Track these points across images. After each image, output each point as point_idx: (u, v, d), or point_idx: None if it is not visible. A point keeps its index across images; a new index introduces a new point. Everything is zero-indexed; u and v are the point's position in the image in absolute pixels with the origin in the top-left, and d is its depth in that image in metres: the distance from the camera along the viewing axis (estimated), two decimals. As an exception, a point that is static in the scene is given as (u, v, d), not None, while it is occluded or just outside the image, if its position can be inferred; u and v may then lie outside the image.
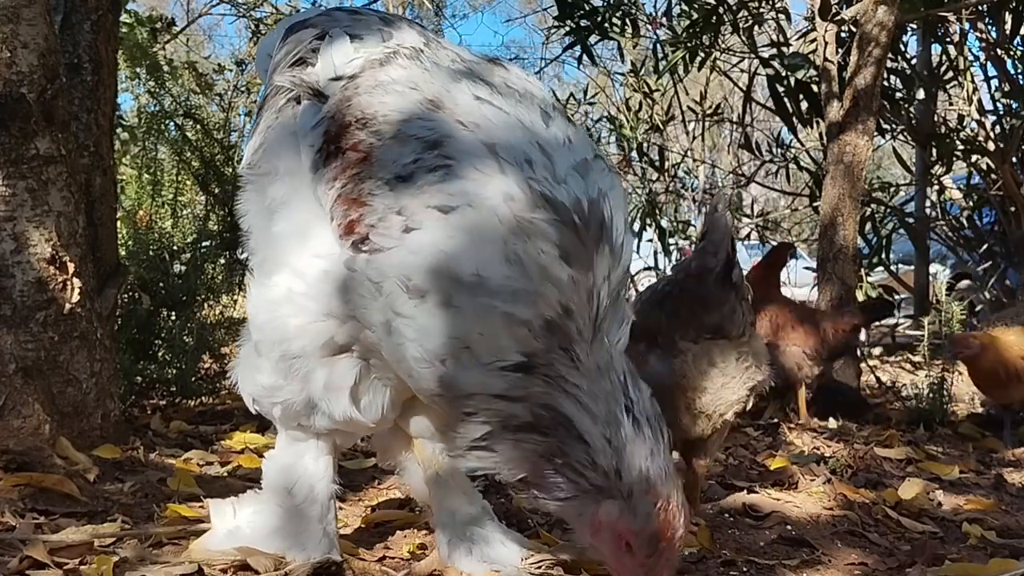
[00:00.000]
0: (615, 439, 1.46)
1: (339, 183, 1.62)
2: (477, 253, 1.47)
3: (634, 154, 7.29)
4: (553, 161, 1.53)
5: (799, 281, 7.47)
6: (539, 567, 1.93)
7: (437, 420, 1.83)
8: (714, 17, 5.85)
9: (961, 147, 6.26)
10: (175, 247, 3.81)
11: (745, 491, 2.66)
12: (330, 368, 1.72)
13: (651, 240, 7.19)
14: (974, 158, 6.34)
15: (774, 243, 6.58)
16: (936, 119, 6.46)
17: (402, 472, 2.07)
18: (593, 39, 6.02)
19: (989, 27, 6.17)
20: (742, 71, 7.06)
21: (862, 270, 5.96)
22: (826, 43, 4.70)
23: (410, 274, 1.50)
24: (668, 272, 2.66)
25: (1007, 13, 5.94)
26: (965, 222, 6.68)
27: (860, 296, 5.54)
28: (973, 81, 6.11)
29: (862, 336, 5.78)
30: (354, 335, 1.66)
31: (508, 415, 1.50)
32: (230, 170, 4.00)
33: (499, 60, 1.79)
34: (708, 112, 7.37)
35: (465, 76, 1.66)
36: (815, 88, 5.41)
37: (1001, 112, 6.24)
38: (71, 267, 2.64)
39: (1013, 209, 5.87)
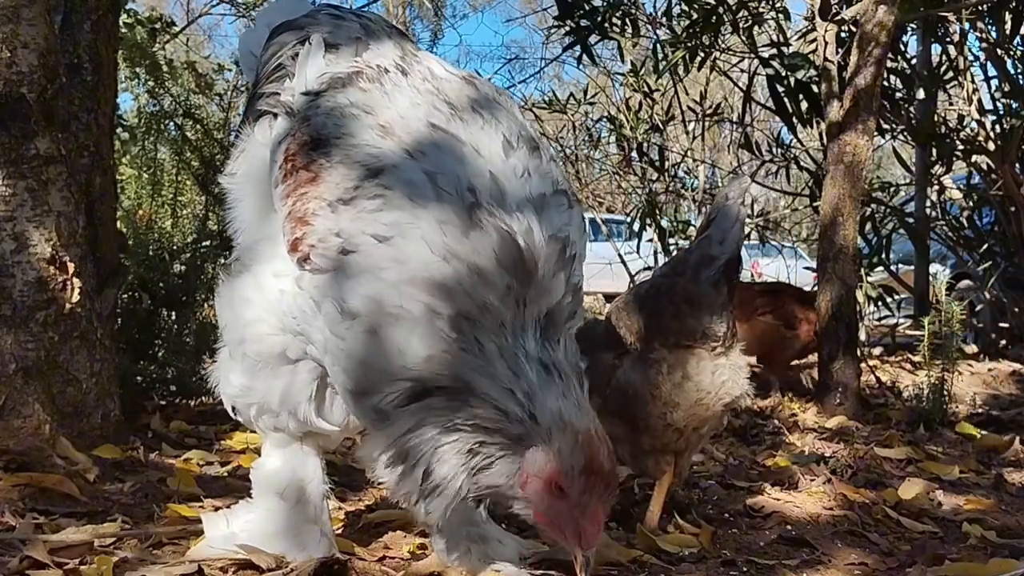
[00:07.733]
0: (520, 387, 1.47)
1: (291, 200, 1.66)
2: (403, 286, 1.49)
3: (634, 154, 7.28)
4: (504, 191, 1.54)
5: (799, 281, 7.47)
6: (539, 566, 1.93)
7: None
8: (714, 17, 5.85)
9: (961, 147, 6.25)
10: (175, 247, 3.81)
11: (745, 491, 2.66)
12: (290, 374, 1.75)
13: (651, 240, 7.18)
14: (974, 158, 6.34)
15: (774, 243, 6.56)
16: (936, 119, 6.45)
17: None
18: (593, 39, 6.01)
19: (989, 27, 6.17)
20: (742, 71, 7.05)
21: (862, 270, 5.94)
22: (826, 43, 4.70)
23: (345, 295, 1.53)
24: (661, 267, 2.57)
25: (1007, 13, 5.94)
26: (965, 222, 6.67)
27: (860, 296, 5.53)
28: (973, 81, 6.11)
29: (862, 335, 5.76)
30: (303, 349, 1.70)
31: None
32: (230, 170, 4.00)
33: (473, 79, 1.78)
34: (708, 112, 7.36)
35: (427, 100, 1.67)
36: (815, 88, 5.40)
37: (1001, 112, 6.23)
38: (71, 267, 2.64)
39: (1013, 209, 5.87)
